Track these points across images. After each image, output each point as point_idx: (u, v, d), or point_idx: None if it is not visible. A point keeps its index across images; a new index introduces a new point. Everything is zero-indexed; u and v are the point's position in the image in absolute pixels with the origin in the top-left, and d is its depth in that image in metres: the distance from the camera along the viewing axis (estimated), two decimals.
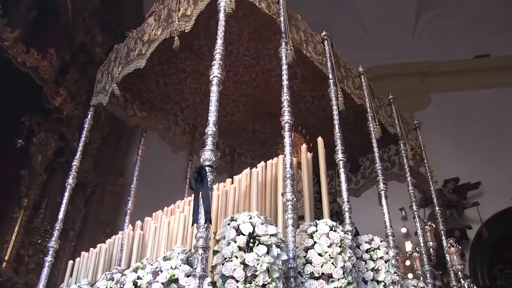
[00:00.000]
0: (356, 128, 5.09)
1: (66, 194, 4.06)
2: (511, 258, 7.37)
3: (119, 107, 4.84)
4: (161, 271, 1.96)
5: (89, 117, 4.46)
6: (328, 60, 4.02)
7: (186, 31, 3.36)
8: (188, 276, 1.97)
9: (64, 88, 6.25)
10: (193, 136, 5.53)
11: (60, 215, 3.89)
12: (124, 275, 2.43)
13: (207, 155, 2.19)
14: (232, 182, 3.08)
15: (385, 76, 8.21)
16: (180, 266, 1.98)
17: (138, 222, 3.83)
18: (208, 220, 1.97)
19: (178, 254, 2.06)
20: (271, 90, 4.97)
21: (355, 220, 3.33)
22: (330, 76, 3.90)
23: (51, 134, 6.51)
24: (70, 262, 3.69)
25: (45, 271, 3.58)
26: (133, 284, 2.11)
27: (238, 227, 2.04)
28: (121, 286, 2.17)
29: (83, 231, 7.04)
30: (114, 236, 3.60)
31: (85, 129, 4.40)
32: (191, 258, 2.11)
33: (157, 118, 5.18)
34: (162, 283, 1.91)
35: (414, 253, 5.14)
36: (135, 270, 2.21)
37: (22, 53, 5.92)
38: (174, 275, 1.93)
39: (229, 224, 2.09)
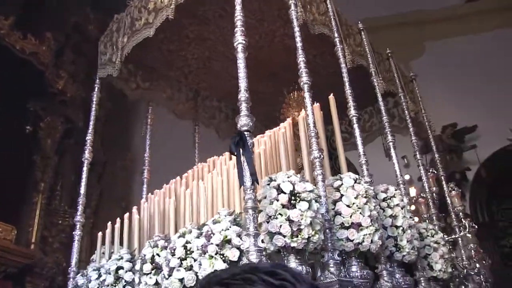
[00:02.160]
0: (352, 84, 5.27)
1: (85, 168, 4.16)
2: (507, 194, 7.71)
3: (121, 81, 4.85)
4: (213, 234, 2.09)
5: (96, 90, 4.51)
6: (333, 19, 4.04)
7: None
8: (239, 235, 2.11)
9: (64, 70, 6.21)
10: (196, 102, 5.59)
11: (82, 190, 4.00)
12: (167, 241, 2.58)
13: (244, 120, 2.30)
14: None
15: (377, 27, 8.20)
16: (230, 227, 2.11)
17: (158, 191, 3.95)
18: (255, 181, 2.09)
19: (225, 216, 2.19)
20: (274, 51, 5.03)
21: None
22: (336, 35, 3.94)
23: (57, 117, 6.58)
24: (100, 234, 3.82)
25: (76, 245, 3.74)
26: (184, 248, 2.25)
27: (279, 186, 2.18)
28: (172, 251, 2.31)
29: (99, 208, 7.21)
30: (144, 204, 3.71)
31: (94, 102, 4.44)
32: (238, 219, 2.24)
33: (161, 87, 5.21)
34: (217, 245, 2.05)
35: (420, 198, 5.36)
36: (183, 235, 2.35)
37: (19, 40, 5.86)
38: (227, 236, 2.07)
39: (268, 184, 2.22)
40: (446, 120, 7.62)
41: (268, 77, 5.49)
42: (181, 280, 2.20)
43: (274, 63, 5.23)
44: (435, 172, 5.34)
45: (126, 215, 3.73)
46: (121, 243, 3.56)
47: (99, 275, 3.02)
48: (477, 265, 4.76)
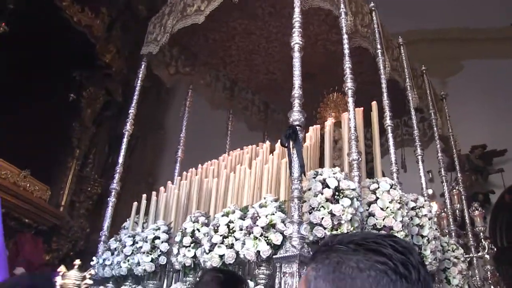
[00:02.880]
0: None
1: (124, 140, 4.29)
2: None
3: (162, 64, 4.99)
4: (259, 217, 2.22)
5: (142, 67, 4.63)
6: (377, 31, 4.13)
7: None
8: (283, 221, 2.24)
9: (112, 44, 6.43)
10: (233, 92, 5.74)
11: (120, 160, 4.15)
12: (207, 218, 2.73)
13: (296, 115, 2.42)
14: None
15: (417, 41, 8.22)
16: (275, 213, 2.24)
17: (194, 170, 4.12)
18: (302, 173, 2.21)
19: (271, 202, 2.33)
20: (315, 53, 5.14)
21: None
22: (378, 46, 4.03)
23: (99, 89, 6.79)
24: (135, 203, 3.99)
25: (109, 211, 3.89)
26: (227, 227, 2.39)
27: (324, 181, 2.30)
28: (215, 228, 2.45)
29: (126, 180, 7.40)
30: (180, 181, 3.86)
31: (140, 78, 4.57)
32: (282, 206, 2.37)
33: (200, 74, 5.36)
34: (262, 227, 2.18)
35: (442, 213, 5.42)
36: (226, 214, 2.49)
37: (77, 13, 6.06)
38: (272, 221, 2.20)
39: (314, 177, 2.34)
40: (475, 141, 7.63)
41: (305, 76, 5.61)
42: (221, 256, 2.34)
43: (313, 64, 5.35)
44: (460, 190, 5.40)
45: (162, 189, 3.90)
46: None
47: (134, 242, 3.18)
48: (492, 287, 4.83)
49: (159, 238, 3.04)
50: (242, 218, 2.37)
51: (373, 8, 4.26)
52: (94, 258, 3.62)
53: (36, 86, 5.80)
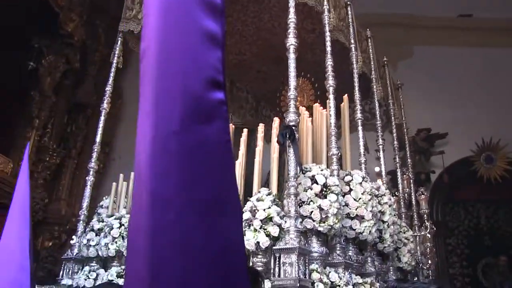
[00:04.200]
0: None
1: (102, 118, 4.31)
2: (460, 198, 8.56)
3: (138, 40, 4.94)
4: (257, 210, 2.44)
5: (119, 43, 4.57)
6: (351, 26, 4.35)
7: None
8: (278, 214, 2.47)
9: (75, 13, 6.19)
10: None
11: (98, 138, 4.19)
12: None
13: (292, 116, 2.62)
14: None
15: (370, 25, 8.49)
16: (271, 206, 2.47)
17: None
18: (300, 171, 2.44)
19: (266, 195, 2.55)
20: None
21: None
22: (352, 41, 4.25)
23: (59, 57, 6.55)
24: (114, 183, 4.05)
25: (88, 190, 3.94)
26: None
27: (313, 177, 2.54)
28: None
29: (84, 150, 7.32)
30: None
31: (116, 55, 4.52)
32: (277, 200, 2.60)
33: None
34: (261, 220, 2.41)
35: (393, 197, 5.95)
36: None
37: None
38: (270, 214, 2.43)
39: (303, 173, 2.58)
40: (420, 124, 8.22)
41: (275, 59, 5.84)
42: None
43: (284, 50, 5.55)
44: (410, 176, 5.94)
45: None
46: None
47: (121, 225, 3.30)
48: (429, 262, 5.44)
49: None
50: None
51: (348, 3, 4.47)
52: (73, 237, 3.70)
53: None
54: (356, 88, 4.06)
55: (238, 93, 6.66)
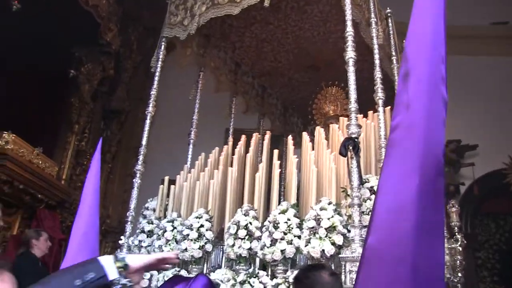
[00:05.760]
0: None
1: (147, 121, 4.44)
2: (490, 211, 8.50)
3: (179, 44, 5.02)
4: (322, 219, 2.50)
5: (162, 48, 4.62)
6: (392, 38, 4.39)
7: None
8: (341, 223, 2.53)
9: (113, 23, 6.39)
10: (236, 75, 5.88)
11: (144, 141, 4.31)
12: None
13: (353, 129, 2.67)
14: None
15: (404, 35, 8.44)
16: (334, 216, 2.53)
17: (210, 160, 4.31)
18: (362, 182, 2.50)
19: (328, 205, 2.61)
20: (326, 48, 5.38)
21: None
22: (393, 53, 4.28)
23: (96, 65, 6.78)
24: (161, 186, 4.15)
25: (135, 192, 4.04)
26: (286, 224, 2.67)
27: (372, 188, 2.60)
28: (275, 225, 2.72)
29: (117, 155, 7.56)
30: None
31: (159, 59, 4.57)
32: (338, 209, 2.66)
33: (211, 56, 5.46)
34: (326, 229, 2.47)
35: None
36: (283, 212, 2.76)
37: None
38: (334, 223, 2.49)
39: (362, 184, 2.63)
40: (450, 135, 8.16)
41: (309, 68, 5.92)
42: (283, 251, 2.62)
43: (320, 58, 5.62)
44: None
45: (181, 176, 4.09)
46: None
47: (173, 228, 3.39)
48: (459, 275, 5.45)
49: (203, 226, 3.27)
50: (296, 216, 2.64)
51: (389, 15, 4.51)
52: (122, 237, 3.81)
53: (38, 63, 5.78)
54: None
55: (269, 99, 6.73)
